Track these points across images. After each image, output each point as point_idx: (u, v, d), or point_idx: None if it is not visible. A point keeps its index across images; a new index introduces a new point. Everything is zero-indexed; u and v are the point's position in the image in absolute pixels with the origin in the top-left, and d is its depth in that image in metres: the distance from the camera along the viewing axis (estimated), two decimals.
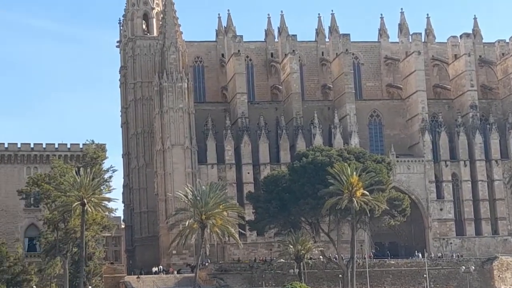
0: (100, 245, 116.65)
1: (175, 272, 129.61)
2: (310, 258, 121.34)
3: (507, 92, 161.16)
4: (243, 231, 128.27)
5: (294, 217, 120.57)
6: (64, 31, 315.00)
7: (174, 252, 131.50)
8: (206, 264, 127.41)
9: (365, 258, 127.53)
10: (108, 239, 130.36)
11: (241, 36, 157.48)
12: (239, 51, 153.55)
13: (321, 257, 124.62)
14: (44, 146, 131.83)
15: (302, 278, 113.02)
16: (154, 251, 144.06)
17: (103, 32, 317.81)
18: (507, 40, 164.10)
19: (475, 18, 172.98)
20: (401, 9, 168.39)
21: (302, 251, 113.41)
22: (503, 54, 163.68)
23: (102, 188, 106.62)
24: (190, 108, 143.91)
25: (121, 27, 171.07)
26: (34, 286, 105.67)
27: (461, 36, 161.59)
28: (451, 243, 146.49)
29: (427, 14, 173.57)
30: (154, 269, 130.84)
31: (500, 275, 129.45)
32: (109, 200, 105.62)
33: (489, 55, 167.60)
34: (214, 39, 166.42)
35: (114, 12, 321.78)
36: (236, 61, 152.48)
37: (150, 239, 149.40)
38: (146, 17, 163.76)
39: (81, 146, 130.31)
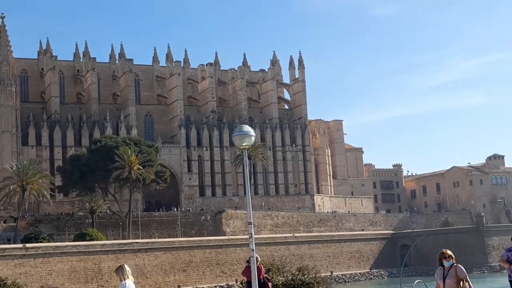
0: None
1: (2, 222, 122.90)
2: (101, 212, 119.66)
3: (235, 102, 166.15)
4: (53, 193, 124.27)
5: (90, 184, 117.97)
6: None
7: (1, 208, 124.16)
8: (26, 216, 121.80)
9: (139, 212, 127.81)
10: None
11: (56, 56, 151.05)
12: (54, 67, 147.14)
13: (108, 211, 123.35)
14: None
15: (94, 225, 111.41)
16: None
17: None
18: (236, 68, 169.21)
19: (216, 53, 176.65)
20: (168, 44, 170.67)
21: (95, 207, 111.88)
22: (233, 78, 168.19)
23: None
24: (17, 105, 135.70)
25: None
26: None
27: (206, 65, 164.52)
28: (195, 201, 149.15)
29: (185, 49, 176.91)
30: None
31: (226, 222, 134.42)
32: None
33: (224, 78, 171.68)
34: (36, 57, 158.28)
35: None
36: (51, 74, 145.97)
37: None
38: None
39: None
